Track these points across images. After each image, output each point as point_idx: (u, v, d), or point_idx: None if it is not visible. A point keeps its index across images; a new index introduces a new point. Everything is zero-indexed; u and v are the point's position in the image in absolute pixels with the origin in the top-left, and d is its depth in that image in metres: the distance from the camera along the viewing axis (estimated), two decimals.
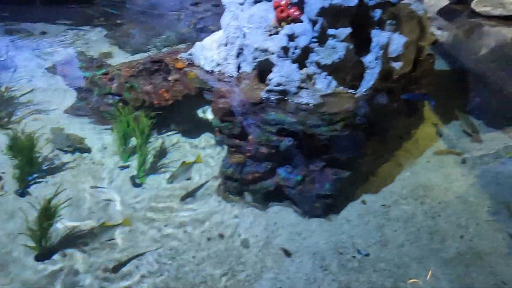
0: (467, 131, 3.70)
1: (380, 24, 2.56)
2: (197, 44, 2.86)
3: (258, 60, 2.52)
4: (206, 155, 3.53)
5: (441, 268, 2.74)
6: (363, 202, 3.21)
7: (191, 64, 2.93)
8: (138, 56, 4.35)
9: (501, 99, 3.49)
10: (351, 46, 2.34)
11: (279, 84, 2.41)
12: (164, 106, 3.11)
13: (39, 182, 3.11)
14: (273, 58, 2.45)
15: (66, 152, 3.25)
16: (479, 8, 4.00)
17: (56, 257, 2.63)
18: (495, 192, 3.19)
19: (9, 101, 3.76)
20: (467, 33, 4.29)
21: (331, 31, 2.27)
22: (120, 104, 3.18)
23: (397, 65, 2.67)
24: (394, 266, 2.78)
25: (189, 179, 3.10)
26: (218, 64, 2.75)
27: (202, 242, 2.88)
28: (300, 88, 2.42)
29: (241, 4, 2.63)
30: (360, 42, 2.56)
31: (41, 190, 3.07)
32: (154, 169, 3.28)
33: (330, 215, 3.12)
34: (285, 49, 2.37)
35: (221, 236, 2.93)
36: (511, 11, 3.85)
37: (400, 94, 3.10)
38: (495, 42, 3.79)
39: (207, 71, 2.81)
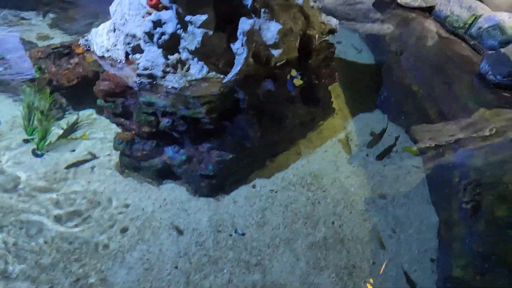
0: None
1: (256, 13, 2.68)
2: (93, 30, 3.01)
3: (132, 45, 2.66)
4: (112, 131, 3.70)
5: (304, 250, 2.93)
6: (254, 186, 3.39)
7: (88, 49, 3.09)
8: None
9: (400, 92, 3.57)
10: (210, 33, 2.46)
11: (145, 68, 2.56)
12: (69, 86, 3.31)
13: None
14: (142, 44, 2.59)
15: None
16: (401, 0, 4.08)
17: None
18: (377, 184, 3.36)
19: None
20: (397, 26, 4.35)
21: (188, 18, 2.40)
22: (30, 82, 3.38)
23: (275, 52, 2.78)
24: (264, 246, 2.98)
25: (73, 151, 3.31)
26: (108, 50, 2.89)
27: (87, 210, 3.07)
28: (165, 72, 2.57)
29: None
30: (234, 30, 2.69)
31: None
32: (58, 143, 3.48)
33: (219, 195, 3.31)
34: (150, 35, 2.50)
35: (109, 206, 3.12)
36: (429, 3, 3.93)
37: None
38: (407, 34, 3.86)
39: (99, 56, 2.96)
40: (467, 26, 3.49)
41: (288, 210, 3.21)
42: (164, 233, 3.01)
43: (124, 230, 2.99)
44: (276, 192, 3.35)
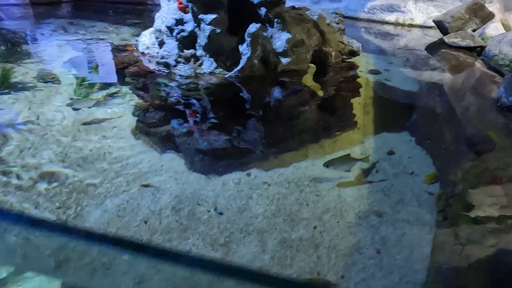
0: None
1: (270, 23, 2.84)
2: (142, 32, 3.55)
3: (159, 40, 3.04)
4: None
5: (274, 245, 2.72)
6: (248, 174, 3.33)
7: (136, 48, 3.65)
8: None
9: (427, 115, 3.21)
10: (218, 30, 2.68)
11: (162, 57, 2.90)
12: (117, 68, 3.99)
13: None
14: (164, 37, 2.96)
15: (41, 82, 4.44)
16: (449, 39, 3.83)
17: None
18: (377, 201, 3.01)
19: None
20: (442, 68, 4.03)
21: (201, 16, 2.68)
22: None
23: (284, 60, 2.88)
24: (237, 230, 2.85)
25: (90, 107, 3.81)
26: (147, 48, 3.36)
27: (93, 159, 3.36)
28: (177, 62, 2.87)
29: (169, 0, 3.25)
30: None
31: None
32: (97, 104, 3.99)
33: (212, 174, 3.32)
34: (170, 29, 2.86)
35: (113, 160, 3.36)
36: (478, 43, 3.61)
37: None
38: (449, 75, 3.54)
39: (141, 53, 3.44)
40: None
41: (274, 204, 3.05)
42: (148, 192, 3.11)
43: (117, 181, 3.18)
44: (269, 185, 3.23)
